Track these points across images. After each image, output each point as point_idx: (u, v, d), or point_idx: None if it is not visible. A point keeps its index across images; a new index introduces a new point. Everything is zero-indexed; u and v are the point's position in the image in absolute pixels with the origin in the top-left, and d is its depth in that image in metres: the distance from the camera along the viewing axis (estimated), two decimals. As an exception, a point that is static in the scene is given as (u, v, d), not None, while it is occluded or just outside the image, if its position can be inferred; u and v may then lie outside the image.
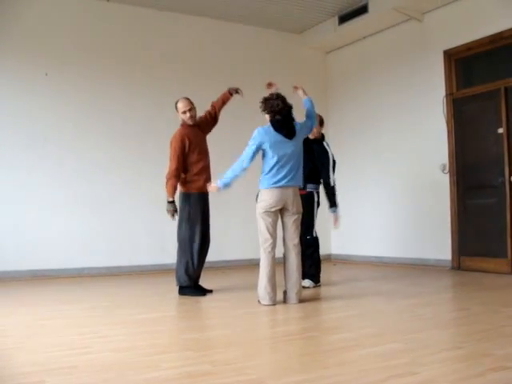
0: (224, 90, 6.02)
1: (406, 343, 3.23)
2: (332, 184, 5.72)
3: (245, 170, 4.74)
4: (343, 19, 8.25)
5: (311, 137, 5.72)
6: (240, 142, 8.41)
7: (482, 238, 6.97)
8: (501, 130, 6.72)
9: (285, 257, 4.81)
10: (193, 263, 5.30)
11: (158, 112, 7.97)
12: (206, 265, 8.05)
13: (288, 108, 4.75)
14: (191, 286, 5.32)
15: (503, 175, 6.68)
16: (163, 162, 7.83)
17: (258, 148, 4.71)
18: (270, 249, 4.67)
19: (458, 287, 6.08)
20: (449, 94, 7.36)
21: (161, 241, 7.82)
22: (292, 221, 4.74)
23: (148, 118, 7.92)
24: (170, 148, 5.46)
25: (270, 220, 4.68)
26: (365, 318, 4.12)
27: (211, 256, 8.02)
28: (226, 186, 4.80)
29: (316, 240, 5.85)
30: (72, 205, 7.27)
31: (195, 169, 5.39)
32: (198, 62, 8.36)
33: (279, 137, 4.68)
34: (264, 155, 4.74)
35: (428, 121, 7.62)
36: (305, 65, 9.24)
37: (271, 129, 4.71)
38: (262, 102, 4.82)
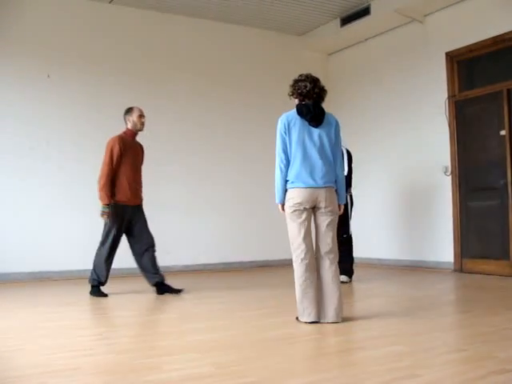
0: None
1: (408, 346, 3.22)
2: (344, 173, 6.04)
3: (284, 167, 4.05)
4: (345, 21, 8.26)
5: None
6: (250, 141, 8.52)
7: (484, 240, 6.96)
8: (503, 132, 6.71)
9: (317, 265, 4.07)
10: (102, 266, 5.47)
11: (160, 114, 7.97)
12: (207, 267, 8.07)
13: (319, 91, 4.16)
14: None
15: (505, 177, 6.68)
16: (164, 164, 7.92)
17: (284, 137, 4.06)
18: (302, 255, 3.97)
19: (460, 289, 6.07)
20: (451, 96, 7.36)
21: (163, 243, 7.81)
22: (326, 223, 4.04)
23: (150, 120, 7.89)
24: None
25: (301, 220, 3.98)
26: (366, 321, 4.11)
27: (212, 258, 8.11)
28: (280, 197, 4.08)
29: (351, 238, 6.47)
30: (74, 207, 7.27)
31: (121, 179, 5.50)
32: (200, 64, 8.37)
33: (304, 122, 4.05)
34: (287, 142, 4.06)
35: (430, 123, 7.62)
36: (306, 67, 9.16)
37: (295, 113, 4.09)
38: (291, 85, 4.26)
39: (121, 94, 7.72)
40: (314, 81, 4.21)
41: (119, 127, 7.68)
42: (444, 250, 7.36)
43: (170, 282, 6.36)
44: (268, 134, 8.86)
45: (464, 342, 3.39)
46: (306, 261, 3.97)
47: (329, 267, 4.01)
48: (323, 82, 4.38)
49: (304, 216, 3.98)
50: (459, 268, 7.18)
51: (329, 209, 4.02)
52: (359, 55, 8.92)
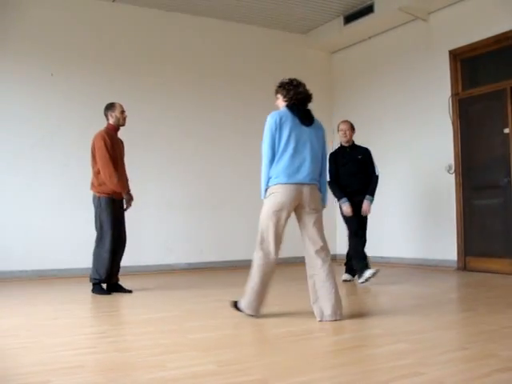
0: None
1: (411, 344, 3.22)
2: (377, 173, 6.33)
3: (269, 164, 4.08)
4: (349, 19, 8.25)
5: (346, 144, 6.38)
6: (253, 140, 8.52)
7: (487, 239, 6.96)
8: (507, 130, 6.70)
9: (309, 266, 4.04)
10: (104, 263, 5.49)
11: (163, 112, 8.00)
12: (210, 265, 8.09)
13: (310, 98, 4.21)
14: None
15: (509, 175, 6.67)
16: (168, 162, 7.92)
17: (273, 133, 4.04)
18: (273, 253, 3.98)
19: (464, 288, 6.07)
20: (454, 95, 7.34)
21: (166, 241, 7.85)
22: (312, 222, 4.02)
23: (153, 119, 7.93)
24: (94, 149, 5.56)
25: (281, 222, 3.99)
26: (370, 319, 4.11)
27: (214, 256, 8.12)
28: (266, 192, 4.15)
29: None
30: (78, 205, 7.27)
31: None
32: (204, 62, 8.37)
33: (295, 120, 4.05)
34: (276, 139, 4.04)
35: (433, 121, 7.61)
36: (310, 65, 9.23)
37: (287, 111, 4.10)
38: (283, 88, 4.20)
39: (123, 92, 7.72)
40: (305, 86, 4.25)
41: (127, 124, 7.72)
42: (447, 248, 7.35)
43: (171, 280, 6.38)
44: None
45: (467, 341, 3.38)
46: (275, 258, 3.98)
47: (321, 266, 3.96)
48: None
49: (284, 217, 3.99)
50: (462, 266, 7.17)
51: (312, 206, 4.01)
52: (363, 53, 8.91)
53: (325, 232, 4.09)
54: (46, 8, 7.31)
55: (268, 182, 4.08)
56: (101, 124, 7.49)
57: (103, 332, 3.71)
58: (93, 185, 5.58)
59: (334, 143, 7.64)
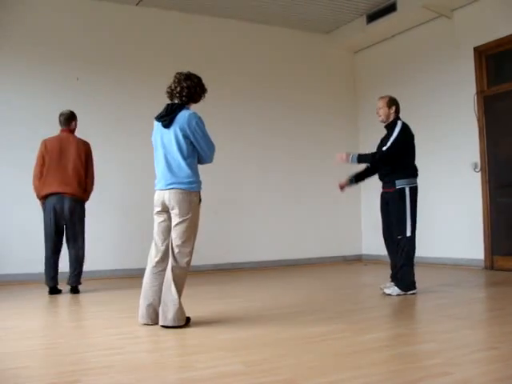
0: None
1: (439, 343, 3.20)
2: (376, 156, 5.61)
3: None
4: (371, 18, 8.21)
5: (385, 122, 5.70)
6: (272, 138, 8.53)
7: (515, 237, 6.87)
8: (534, 127, 6.61)
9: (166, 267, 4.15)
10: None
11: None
12: (236, 266, 8.09)
13: (172, 91, 4.56)
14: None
15: (537, 173, 6.58)
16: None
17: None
18: None
19: (492, 287, 6.00)
20: (480, 92, 7.27)
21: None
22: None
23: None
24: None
25: None
26: (396, 318, 4.10)
27: (240, 257, 8.13)
28: None
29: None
30: (104, 207, 7.34)
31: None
32: (226, 63, 8.40)
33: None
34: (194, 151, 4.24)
35: (459, 119, 7.54)
36: (333, 65, 9.21)
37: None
38: (201, 83, 4.46)
39: (149, 97, 7.78)
40: (176, 77, 4.44)
41: (143, 128, 7.76)
42: (474, 247, 7.27)
43: (195, 281, 6.42)
44: (292, 132, 8.88)
45: (496, 340, 3.35)
46: None
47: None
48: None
49: None
50: (490, 265, 7.09)
51: (176, 212, 4.01)
52: (386, 52, 8.86)
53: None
54: (70, 13, 7.41)
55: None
56: (125, 127, 7.62)
57: (131, 333, 3.75)
58: None
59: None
